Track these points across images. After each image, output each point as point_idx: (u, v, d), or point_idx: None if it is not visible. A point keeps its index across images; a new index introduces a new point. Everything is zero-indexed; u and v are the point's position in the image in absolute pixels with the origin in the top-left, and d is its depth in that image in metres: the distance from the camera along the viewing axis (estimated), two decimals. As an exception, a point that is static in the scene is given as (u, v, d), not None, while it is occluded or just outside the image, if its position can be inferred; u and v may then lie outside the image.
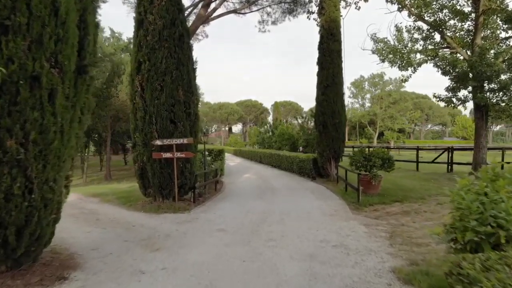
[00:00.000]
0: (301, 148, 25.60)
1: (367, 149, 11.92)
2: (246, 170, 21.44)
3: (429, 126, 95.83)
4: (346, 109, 23.97)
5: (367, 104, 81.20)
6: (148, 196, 9.85)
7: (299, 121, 24.34)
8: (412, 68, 16.86)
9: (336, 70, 14.29)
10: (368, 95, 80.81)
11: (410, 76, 17.38)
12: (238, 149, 42.82)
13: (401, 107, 78.88)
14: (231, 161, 31.54)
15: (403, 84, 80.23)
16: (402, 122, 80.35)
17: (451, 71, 14.84)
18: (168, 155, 8.99)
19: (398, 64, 17.05)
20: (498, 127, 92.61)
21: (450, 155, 16.42)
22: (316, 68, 14.84)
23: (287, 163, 19.71)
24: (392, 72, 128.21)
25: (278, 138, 26.66)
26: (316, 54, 14.83)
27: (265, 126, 32.88)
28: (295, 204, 9.64)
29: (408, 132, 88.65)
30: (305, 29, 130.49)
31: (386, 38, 16.46)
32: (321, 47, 14.55)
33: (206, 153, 13.95)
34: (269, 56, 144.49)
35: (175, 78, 9.25)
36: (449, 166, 16.30)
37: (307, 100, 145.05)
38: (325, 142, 14.37)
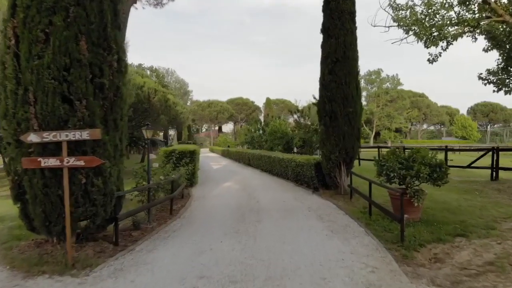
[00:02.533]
0: (295, 149, 21.49)
1: (397, 149, 7.82)
2: (229, 176, 17.20)
3: (425, 126, 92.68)
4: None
5: (363, 103, 77.53)
6: (38, 233, 5.56)
7: (295, 116, 20.13)
8: (445, 43, 12.84)
9: (348, 39, 10.17)
10: (364, 93, 77.10)
11: (440, 55, 13.37)
12: (226, 150, 38.70)
13: (398, 106, 75.43)
14: (216, 163, 27.27)
15: (400, 82, 76.81)
16: (400, 121, 76.99)
17: (507, 43, 10.81)
18: (52, 162, 4.72)
19: (425, 39, 13.02)
20: (495, 126, 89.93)
21: (495, 157, 12.41)
22: (315, 63, 10.69)
23: (280, 168, 15.55)
24: (389, 69, 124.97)
25: (269, 137, 22.49)
26: (317, 50, 10.70)
27: (255, 123, 28.64)
28: (295, 250, 5.43)
29: (404, 131, 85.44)
30: (300, 30, 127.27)
31: (412, 0, 12.42)
32: (328, 7, 10.40)
33: (154, 156, 9.73)
34: (262, 57, 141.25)
35: (74, 19, 4.99)
36: (494, 172, 12.29)
37: (303, 101, 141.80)
38: (334, 140, 10.24)
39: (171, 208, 8.27)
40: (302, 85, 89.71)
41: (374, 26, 14.44)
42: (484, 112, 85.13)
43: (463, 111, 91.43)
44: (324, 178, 11.06)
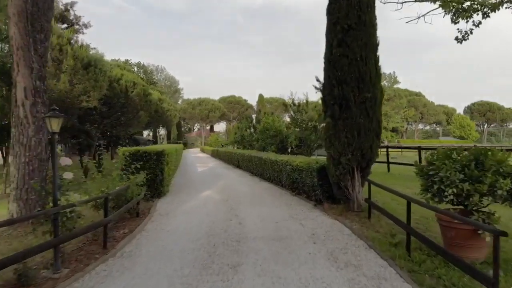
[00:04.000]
0: (290, 149, 18.76)
1: (454, 150, 5.12)
2: (212, 181, 14.39)
3: (420, 126, 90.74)
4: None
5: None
6: None
7: (291, 112, 17.37)
8: (480, 15, 10.22)
9: None
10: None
11: (471, 32, 10.76)
12: (216, 150, 35.90)
13: (396, 104, 73.29)
14: (202, 165, 24.44)
15: (397, 80, 74.78)
16: (397, 121, 74.80)
17: None
18: None
19: (454, 10, 10.43)
20: (492, 126, 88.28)
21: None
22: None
23: (272, 172, 12.82)
24: (386, 67, 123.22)
25: (261, 135, 19.70)
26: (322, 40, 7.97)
27: (245, 120, 25.79)
28: None
29: (400, 131, 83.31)
30: (293, 30, 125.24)
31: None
32: (336, -44, 7.66)
33: (68, 162, 7.05)
34: (255, 56, 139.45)
35: None
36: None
37: (299, 94, 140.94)
38: (345, 138, 7.51)
39: (105, 240, 5.43)
40: (296, 86, 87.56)
41: (385, 3, 11.80)
42: (481, 112, 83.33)
43: (460, 110, 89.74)
44: (330, 188, 8.34)
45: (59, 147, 22.49)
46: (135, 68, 63.48)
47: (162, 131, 77.83)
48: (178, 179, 15.24)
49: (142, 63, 66.25)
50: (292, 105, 16.94)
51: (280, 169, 11.92)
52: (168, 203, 9.13)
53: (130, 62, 60.01)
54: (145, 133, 70.84)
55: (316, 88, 8.26)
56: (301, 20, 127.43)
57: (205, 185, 13.03)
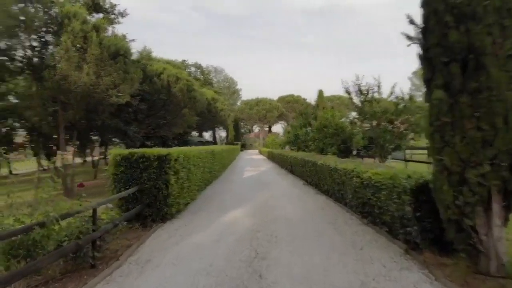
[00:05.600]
0: (355, 151, 14.75)
1: None
2: (251, 193, 11.12)
3: None
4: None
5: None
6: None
7: (355, 98, 13.28)
8: None
9: None
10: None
11: None
12: (271, 152, 32.82)
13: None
14: (252, 169, 21.35)
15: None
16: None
17: None
18: None
19: None
20: None
21: None
22: None
23: (331, 183, 9.16)
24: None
25: (317, 134, 15.91)
26: None
27: (300, 117, 22.07)
28: None
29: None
30: (353, 30, 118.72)
31: None
32: None
33: None
34: (315, 56, 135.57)
35: None
36: None
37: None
38: (476, 129, 3.67)
39: None
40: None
41: None
42: None
43: None
44: (437, 225, 4.48)
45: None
46: (192, 69, 63.32)
47: (223, 133, 77.23)
48: (212, 188, 12.31)
49: (199, 64, 65.84)
50: (358, 92, 12.89)
51: (342, 181, 8.21)
52: (167, 236, 5.99)
53: (186, 62, 59.77)
54: (207, 135, 70.72)
55: (408, 37, 4.42)
56: (362, 19, 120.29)
57: (240, 199, 9.79)
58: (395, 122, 12.67)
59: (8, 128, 20.68)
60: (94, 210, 4.43)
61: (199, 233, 6.06)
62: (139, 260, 4.77)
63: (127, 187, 6.62)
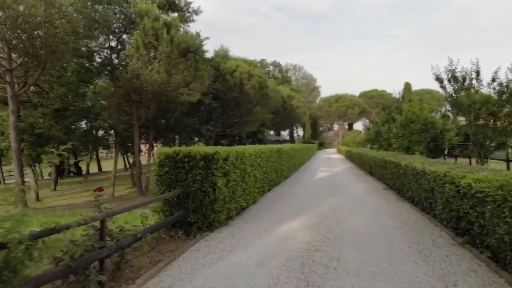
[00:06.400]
0: (446, 150, 12.28)
1: None
2: (318, 199, 9.85)
3: None
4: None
5: None
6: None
7: (450, 87, 10.89)
8: None
9: None
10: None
11: None
12: (349, 151, 30.64)
13: None
14: (327, 169, 19.88)
15: None
16: None
17: None
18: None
19: None
20: None
21: None
22: None
23: (417, 188, 7.48)
24: None
25: (401, 130, 13.70)
26: None
27: (383, 111, 19.63)
28: None
29: None
30: (444, 20, 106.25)
31: None
32: None
33: None
34: (401, 50, 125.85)
35: None
36: None
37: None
38: None
39: None
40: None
41: None
42: None
43: None
44: None
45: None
46: (271, 67, 63.32)
47: (301, 132, 75.81)
48: (276, 190, 11.37)
49: (278, 62, 65.52)
50: (452, 79, 10.50)
51: (430, 187, 6.48)
52: (206, 251, 5.11)
53: (265, 61, 59.94)
54: (284, 133, 70.28)
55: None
56: (455, 7, 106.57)
57: (303, 205, 8.62)
58: (498, 115, 10.08)
59: (103, 132, 22.67)
60: (102, 222, 3.75)
61: (241, 251, 5.08)
62: (158, 286, 3.96)
63: (171, 189, 6.04)
